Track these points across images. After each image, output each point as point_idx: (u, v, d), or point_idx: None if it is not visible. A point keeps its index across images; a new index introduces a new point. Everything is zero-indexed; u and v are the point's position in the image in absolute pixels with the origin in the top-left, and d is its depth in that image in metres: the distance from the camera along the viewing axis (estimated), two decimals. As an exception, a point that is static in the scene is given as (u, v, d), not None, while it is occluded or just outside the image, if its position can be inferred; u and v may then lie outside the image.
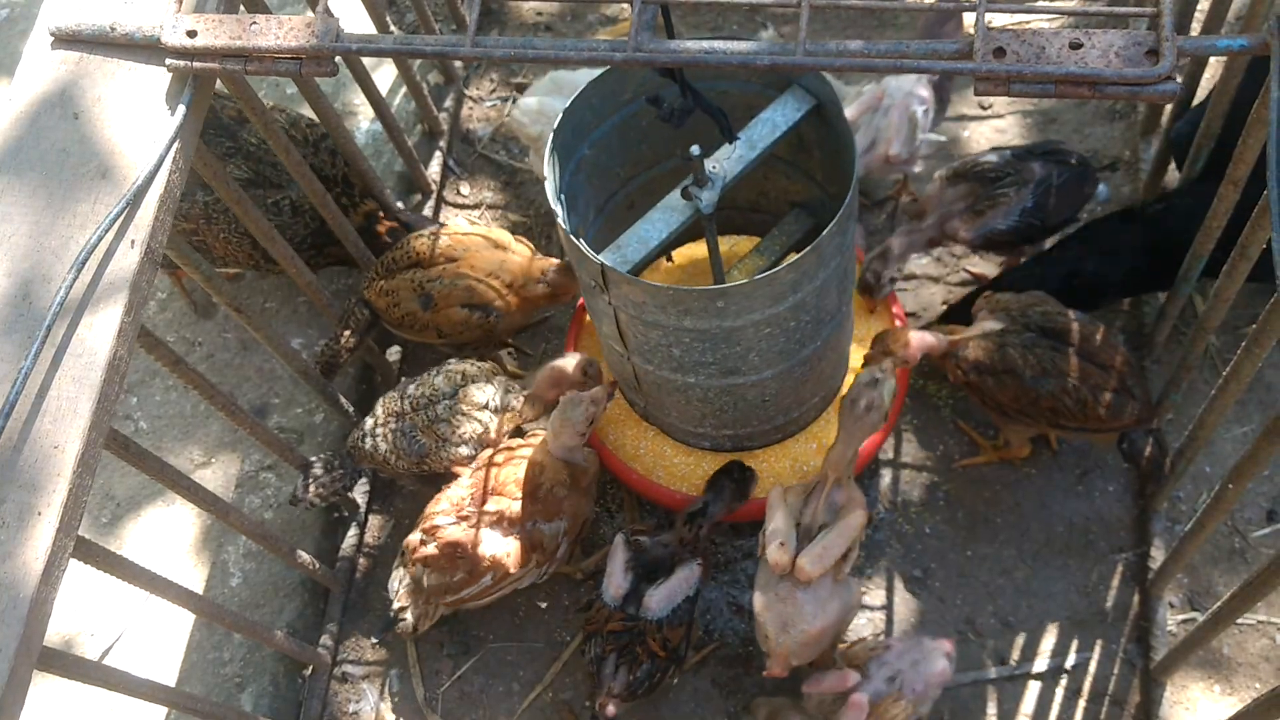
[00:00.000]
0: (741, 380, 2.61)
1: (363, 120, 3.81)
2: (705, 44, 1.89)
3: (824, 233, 2.30)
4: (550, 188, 2.46)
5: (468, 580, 2.80)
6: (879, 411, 2.59)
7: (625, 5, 2.12)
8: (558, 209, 2.45)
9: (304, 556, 2.93)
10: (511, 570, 2.78)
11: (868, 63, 1.84)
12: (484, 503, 2.80)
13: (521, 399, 2.99)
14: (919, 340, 2.81)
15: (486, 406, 2.94)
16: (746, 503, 2.80)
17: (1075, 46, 1.78)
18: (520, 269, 3.13)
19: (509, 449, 2.91)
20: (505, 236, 3.20)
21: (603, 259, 2.34)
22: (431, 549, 2.78)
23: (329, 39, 1.93)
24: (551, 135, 2.48)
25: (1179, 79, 1.79)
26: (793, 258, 2.97)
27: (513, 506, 2.79)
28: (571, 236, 2.36)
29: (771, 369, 2.60)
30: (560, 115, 2.51)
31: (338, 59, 2.01)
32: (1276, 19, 1.80)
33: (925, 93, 3.24)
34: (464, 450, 2.93)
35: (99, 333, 1.87)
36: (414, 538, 2.84)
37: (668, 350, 2.52)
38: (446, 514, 2.81)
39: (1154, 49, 1.76)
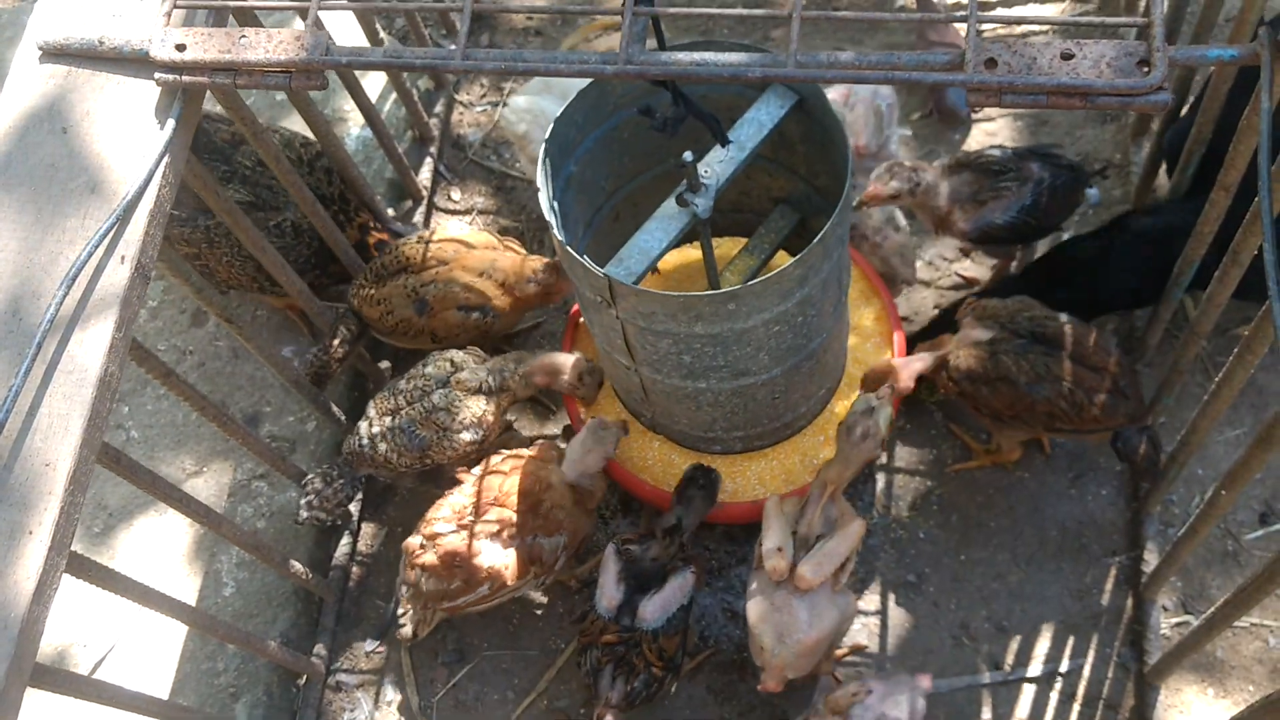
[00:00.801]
0: (752, 380, 2.62)
1: (353, 126, 3.79)
2: (696, 55, 1.88)
3: (827, 225, 2.31)
4: (544, 198, 2.46)
5: (464, 589, 2.79)
6: (875, 439, 2.59)
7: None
8: (555, 224, 2.44)
9: (297, 566, 2.92)
10: (509, 582, 2.78)
11: (859, 74, 1.83)
12: (485, 513, 2.79)
13: (517, 377, 2.97)
14: (908, 371, 2.83)
15: (480, 389, 2.93)
16: (717, 506, 2.83)
17: (1067, 57, 1.78)
18: (512, 268, 3.13)
19: (516, 457, 2.91)
20: (494, 238, 3.20)
21: (608, 273, 2.34)
22: (431, 557, 2.77)
23: (318, 53, 1.92)
24: (543, 150, 2.48)
25: (1170, 88, 1.78)
26: (782, 255, 2.99)
27: (514, 518, 2.79)
28: (574, 253, 2.35)
29: (781, 366, 2.61)
30: (550, 127, 2.50)
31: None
32: (1267, 28, 1.80)
33: (888, 88, 3.25)
34: (466, 436, 2.91)
35: (90, 349, 1.86)
36: (414, 541, 2.84)
37: (678, 358, 2.52)
38: (447, 521, 2.80)
39: (1145, 59, 1.76)
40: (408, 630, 2.90)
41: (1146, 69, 1.75)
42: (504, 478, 2.84)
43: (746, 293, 2.30)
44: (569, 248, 2.35)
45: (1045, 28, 3.79)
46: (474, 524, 2.78)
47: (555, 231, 2.40)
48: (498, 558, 2.76)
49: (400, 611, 2.91)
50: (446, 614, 2.91)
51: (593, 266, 2.31)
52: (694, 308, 2.33)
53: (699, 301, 2.30)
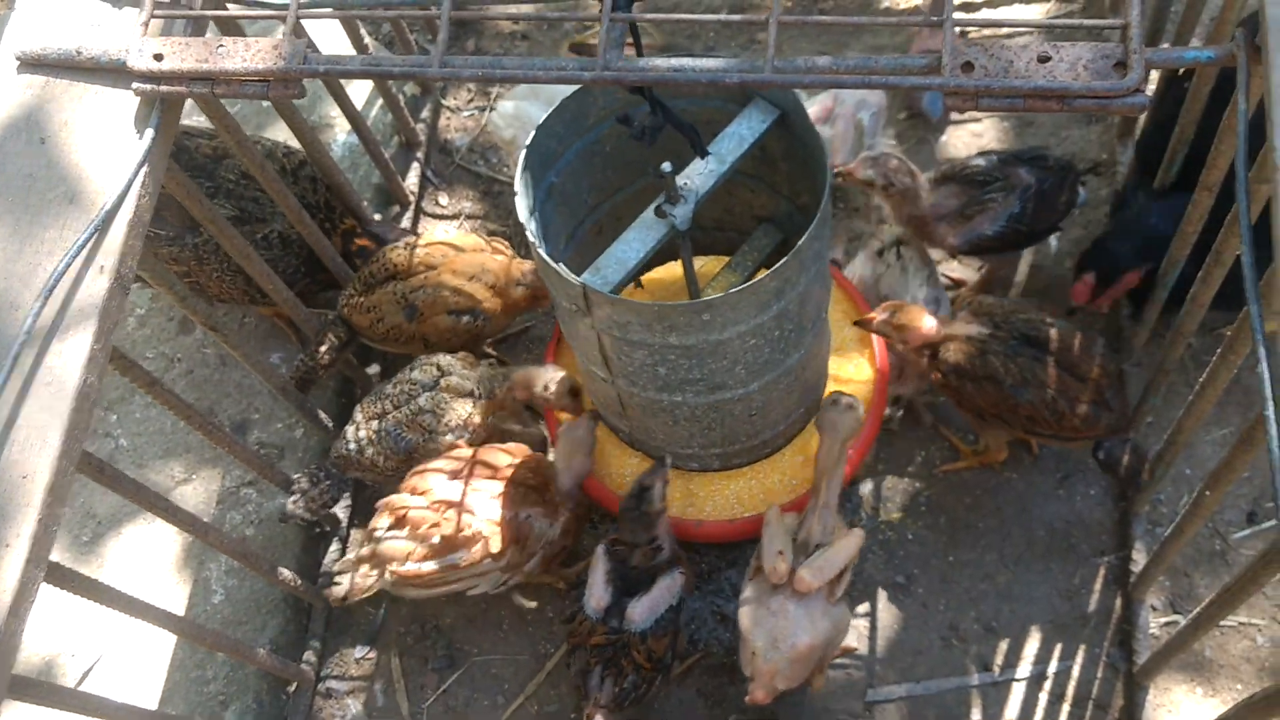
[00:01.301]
0: (728, 395, 2.60)
1: (339, 132, 3.79)
2: (674, 61, 1.88)
3: (804, 237, 2.30)
4: (523, 207, 2.45)
5: (442, 548, 2.72)
6: (856, 410, 2.61)
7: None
8: (532, 230, 2.44)
9: (285, 573, 2.92)
10: (490, 550, 2.73)
11: (836, 79, 1.83)
12: (484, 475, 2.77)
13: (503, 390, 2.98)
14: (932, 328, 2.80)
15: (471, 393, 2.93)
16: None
17: (1043, 60, 1.78)
18: (501, 270, 3.13)
19: (520, 451, 2.91)
20: (483, 241, 3.20)
21: (583, 281, 2.33)
22: (421, 503, 2.72)
23: (296, 61, 1.91)
24: (522, 159, 2.47)
25: (1148, 90, 1.78)
26: (764, 273, 2.99)
27: (513, 490, 2.77)
28: (549, 260, 2.34)
29: (758, 381, 2.59)
30: (532, 134, 2.50)
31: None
32: (1244, 30, 1.80)
33: (875, 99, 3.25)
34: (450, 438, 2.91)
35: (68, 360, 1.85)
36: (397, 500, 2.78)
37: (653, 370, 2.51)
38: (440, 471, 2.78)
39: (1122, 61, 1.76)
40: (340, 590, 2.84)
41: (1123, 71, 1.75)
42: (511, 456, 2.84)
43: (721, 303, 2.29)
44: (545, 255, 2.35)
45: (1027, 30, 3.79)
46: (469, 479, 2.75)
47: (531, 237, 2.40)
48: (485, 525, 2.72)
49: (336, 569, 2.86)
50: (396, 589, 2.84)
51: (568, 274, 2.31)
52: (668, 317, 2.32)
53: (673, 311, 2.29)
